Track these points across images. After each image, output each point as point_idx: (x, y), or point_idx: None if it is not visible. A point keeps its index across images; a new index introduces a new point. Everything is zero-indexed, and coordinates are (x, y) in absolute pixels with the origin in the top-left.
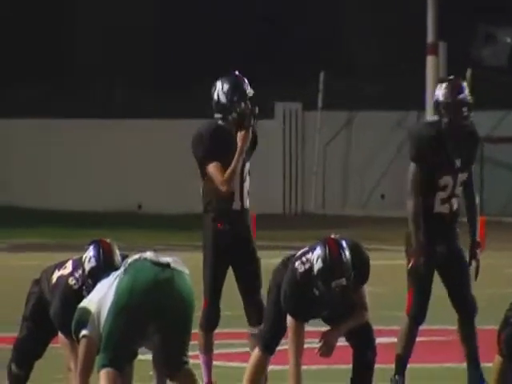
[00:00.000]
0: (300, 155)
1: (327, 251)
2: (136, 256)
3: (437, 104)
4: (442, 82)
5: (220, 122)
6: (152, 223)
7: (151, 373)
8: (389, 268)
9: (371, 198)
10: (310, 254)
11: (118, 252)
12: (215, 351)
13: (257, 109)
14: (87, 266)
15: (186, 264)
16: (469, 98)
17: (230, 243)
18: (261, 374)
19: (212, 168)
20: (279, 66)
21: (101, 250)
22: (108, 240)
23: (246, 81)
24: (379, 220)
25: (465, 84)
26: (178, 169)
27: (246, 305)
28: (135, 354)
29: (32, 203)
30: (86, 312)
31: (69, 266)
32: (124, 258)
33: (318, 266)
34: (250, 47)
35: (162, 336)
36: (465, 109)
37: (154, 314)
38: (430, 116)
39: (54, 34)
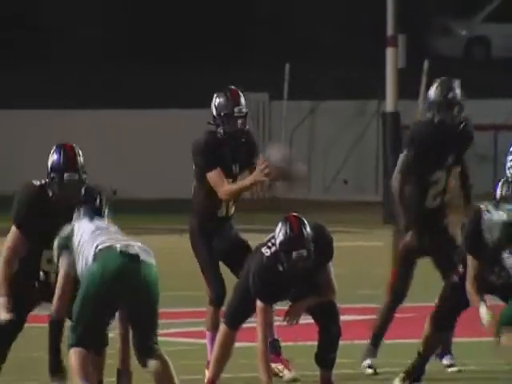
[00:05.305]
0: (267, 142)
1: (288, 224)
2: (108, 244)
3: (429, 103)
4: (435, 82)
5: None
6: (126, 208)
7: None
8: (352, 249)
9: (334, 183)
10: (275, 236)
11: (80, 154)
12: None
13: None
14: (49, 161)
15: (156, 247)
16: (458, 97)
17: (215, 233)
18: (228, 349)
19: (213, 176)
20: (247, 58)
21: (62, 151)
22: (73, 144)
23: (241, 97)
24: (341, 204)
25: (455, 84)
26: (153, 155)
27: None
28: (106, 341)
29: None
30: (69, 244)
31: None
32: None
33: (279, 238)
34: (224, 38)
35: (129, 322)
36: (453, 109)
37: (120, 301)
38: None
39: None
